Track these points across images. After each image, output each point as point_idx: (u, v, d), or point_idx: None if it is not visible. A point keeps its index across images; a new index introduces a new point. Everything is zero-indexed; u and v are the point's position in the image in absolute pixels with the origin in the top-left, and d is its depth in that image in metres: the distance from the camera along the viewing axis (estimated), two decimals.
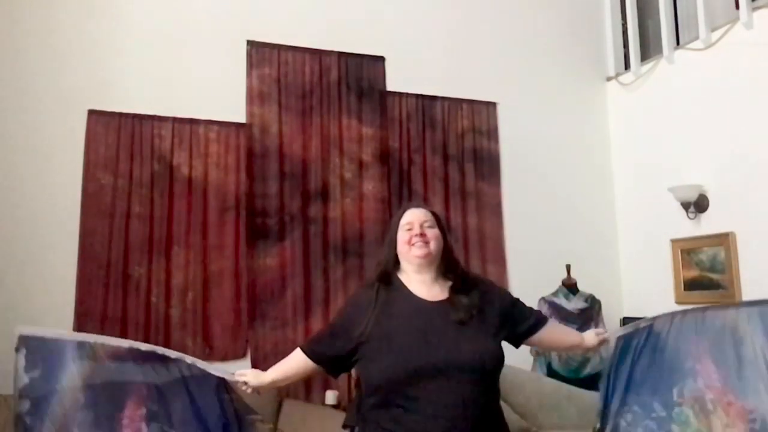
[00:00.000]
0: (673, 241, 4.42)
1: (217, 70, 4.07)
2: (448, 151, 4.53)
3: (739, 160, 4.00)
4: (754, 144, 3.91)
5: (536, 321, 1.89)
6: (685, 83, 4.43)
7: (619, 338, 2.00)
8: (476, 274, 2.02)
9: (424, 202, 3.89)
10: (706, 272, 4.21)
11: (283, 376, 1.91)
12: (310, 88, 4.26)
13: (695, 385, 1.84)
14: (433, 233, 1.82)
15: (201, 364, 1.90)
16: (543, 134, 4.84)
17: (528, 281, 4.26)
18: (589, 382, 3.77)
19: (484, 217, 4.56)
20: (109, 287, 3.65)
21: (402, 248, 1.83)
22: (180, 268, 3.81)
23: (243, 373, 1.90)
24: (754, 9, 3.94)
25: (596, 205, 4.93)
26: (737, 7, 4.06)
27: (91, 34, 3.86)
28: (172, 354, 1.87)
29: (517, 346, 1.93)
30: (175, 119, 3.93)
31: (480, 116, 4.67)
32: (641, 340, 1.96)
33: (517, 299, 1.92)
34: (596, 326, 3.93)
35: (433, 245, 1.80)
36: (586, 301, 4.21)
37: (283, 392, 3.68)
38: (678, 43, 4.61)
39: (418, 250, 1.79)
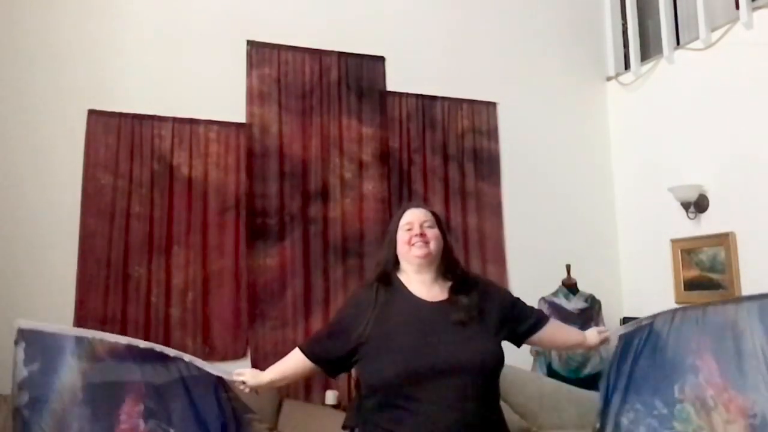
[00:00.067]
0: (673, 241, 4.42)
1: (217, 70, 4.06)
2: (448, 151, 4.53)
3: (739, 160, 4.00)
4: (754, 144, 3.91)
5: (537, 320, 1.89)
6: (685, 83, 4.43)
7: (620, 337, 2.01)
8: (476, 274, 2.02)
9: (424, 202, 3.89)
10: (706, 272, 4.21)
11: (282, 376, 1.90)
12: (310, 88, 4.26)
13: (696, 381, 1.84)
14: (433, 233, 1.82)
15: (199, 362, 1.90)
16: (543, 134, 4.84)
17: (528, 281, 4.26)
18: (589, 382, 3.77)
19: (484, 217, 4.56)
20: (109, 287, 3.65)
21: (402, 248, 1.82)
22: (180, 268, 3.81)
23: (241, 373, 1.90)
24: (754, 9, 3.94)
25: (596, 205, 4.93)
26: (737, 7, 4.06)
27: (91, 34, 3.86)
28: (171, 352, 1.88)
29: (518, 345, 1.93)
30: (175, 119, 3.92)
31: (480, 116, 4.67)
32: (642, 338, 1.96)
33: (518, 299, 1.92)
34: (596, 326, 3.93)
35: (433, 245, 1.80)
36: (586, 301, 4.21)
37: (283, 392, 3.68)
38: (678, 43, 4.60)
39: (417, 250, 1.79)
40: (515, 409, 3.64)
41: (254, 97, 4.11)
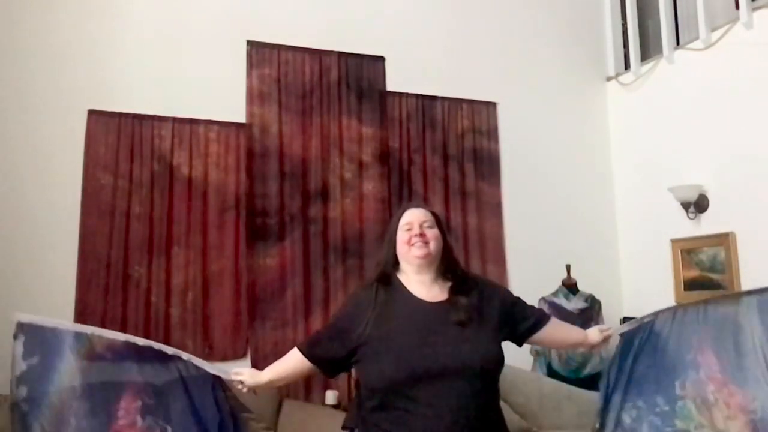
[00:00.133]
0: (673, 241, 4.42)
1: (217, 70, 4.06)
2: (448, 151, 4.53)
3: (739, 160, 4.00)
4: (754, 144, 3.91)
5: (537, 320, 1.88)
6: (685, 83, 4.43)
7: (621, 335, 2.00)
8: (476, 274, 2.02)
9: (424, 202, 3.89)
10: (706, 272, 4.21)
11: (280, 376, 1.90)
12: (310, 88, 4.26)
13: (697, 376, 1.85)
14: (432, 233, 1.82)
15: (197, 361, 1.90)
16: (543, 134, 4.84)
17: (528, 281, 4.26)
18: (589, 382, 3.77)
19: (484, 217, 4.56)
20: (109, 287, 3.65)
21: (401, 248, 1.82)
22: (180, 268, 3.81)
23: (239, 372, 1.90)
24: (754, 9, 3.94)
25: (596, 205, 4.93)
26: (737, 7, 4.06)
27: (91, 34, 3.86)
28: (169, 350, 1.87)
29: (519, 345, 1.92)
30: (175, 119, 3.92)
31: (480, 116, 4.67)
32: (644, 336, 1.96)
33: (518, 298, 1.92)
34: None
35: (432, 245, 1.80)
36: (586, 301, 4.21)
37: (283, 392, 3.68)
38: (678, 43, 4.60)
39: (417, 251, 1.78)
40: (515, 409, 3.64)
41: (254, 97, 4.11)
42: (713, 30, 4.22)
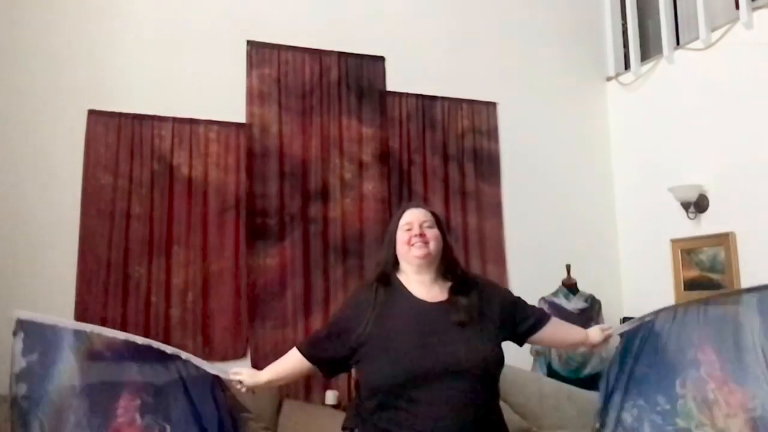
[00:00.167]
0: (673, 241, 4.42)
1: (217, 70, 4.06)
2: (448, 151, 4.53)
3: (739, 160, 4.00)
4: (754, 144, 3.91)
5: (538, 319, 1.88)
6: (685, 83, 4.43)
7: (621, 335, 2.00)
8: (476, 275, 2.02)
9: (424, 202, 3.89)
10: (706, 272, 4.21)
11: (279, 376, 1.90)
12: (310, 88, 4.26)
13: (697, 374, 1.84)
14: (432, 233, 1.82)
15: (196, 360, 1.90)
16: (543, 134, 4.84)
17: (528, 281, 4.25)
18: (589, 382, 3.77)
19: (484, 217, 4.55)
20: (109, 287, 3.64)
21: (401, 248, 1.82)
22: (180, 268, 3.81)
23: (238, 372, 1.90)
24: (754, 9, 3.94)
25: (596, 205, 4.93)
26: (737, 7, 4.06)
27: (91, 34, 3.86)
28: (168, 349, 1.87)
29: (520, 344, 1.92)
30: (175, 119, 3.92)
31: (480, 116, 4.67)
32: (644, 335, 1.95)
33: (518, 298, 1.91)
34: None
35: (432, 245, 1.80)
36: (586, 301, 4.21)
37: (283, 392, 3.68)
38: (678, 43, 4.60)
39: (417, 251, 1.78)
40: (515, 409, 3.64)
41: (254, 97, 4.11)
42: (713, 30, 4.22)
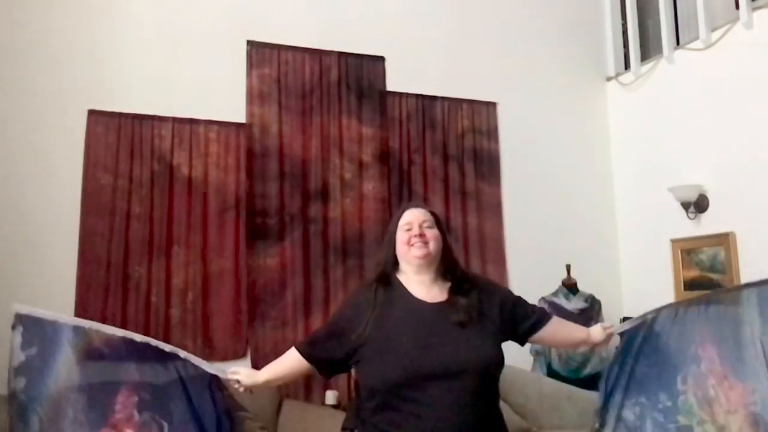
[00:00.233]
0: (673, 241, 4.42)
1: (217, 70, 4.06)
2: (448, 151, 4.53)
3: (739, 160, 4.00)
4: (754, 144, 3.91)
5: (538, 318, 1.87)
6: (685, 83, 4.43)
7: (621, 335, 2.00)
8: (476, 275, 2.01)
9: (424, 202, 3.89)
10: (706, 272, 4.21)
11: (277, 376, 1.90)
12: (310, 88, 4.26)
13: (698, 370, 1.84)
14: (432, 233, 1.81)
15: (195, 360, 1.90)
16: (543, 134, 4.84)
17: (528, 281, 4.25)
18: (589, 382, 3.77)
19: (484, 217, 4.55)
20: (109, 287, 3.64)
21: (401, 249, 1.82)
22: (180, 268, 3.81)
23: (236, 372, 1.89)
24: (754, 9, 3.94)
25: (596, 205, 4.93)
26: (737, 7, 4.06)
27: (91, 34, 3.86)
28: (166, 347, 1.87)
29: (521, 344, 1.91)
30: (175, 119, 3.92)
31: (480, 116, 4.67)
32: (645, 335, 1.95)
33: (519, 297, 1.90)
34: None
35: (432, 246, 1.79)
36: (586, 301, 4.21)
37: (282, 392, 3.69)
38: (678, 43, 4.60)
39: (417, 251, 1.78)
40: (515, 409, 3.64)
41: (254, 97, 4.11)
42: (713, 30, 4.22)
